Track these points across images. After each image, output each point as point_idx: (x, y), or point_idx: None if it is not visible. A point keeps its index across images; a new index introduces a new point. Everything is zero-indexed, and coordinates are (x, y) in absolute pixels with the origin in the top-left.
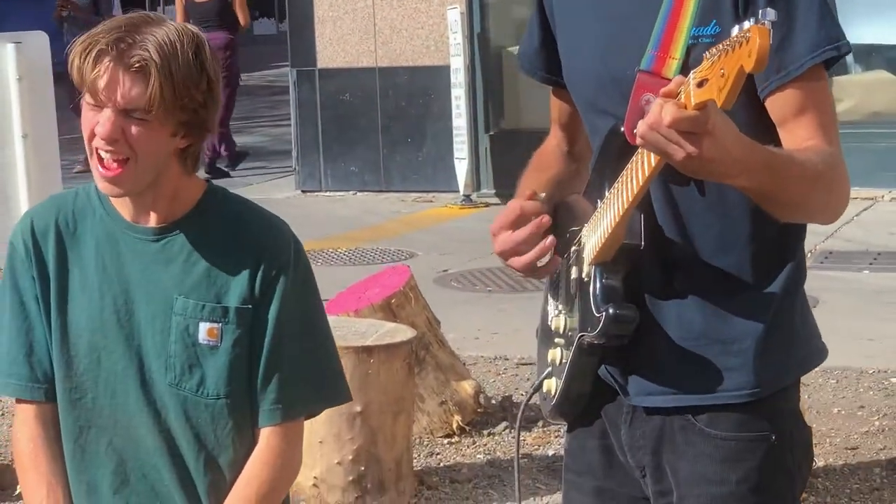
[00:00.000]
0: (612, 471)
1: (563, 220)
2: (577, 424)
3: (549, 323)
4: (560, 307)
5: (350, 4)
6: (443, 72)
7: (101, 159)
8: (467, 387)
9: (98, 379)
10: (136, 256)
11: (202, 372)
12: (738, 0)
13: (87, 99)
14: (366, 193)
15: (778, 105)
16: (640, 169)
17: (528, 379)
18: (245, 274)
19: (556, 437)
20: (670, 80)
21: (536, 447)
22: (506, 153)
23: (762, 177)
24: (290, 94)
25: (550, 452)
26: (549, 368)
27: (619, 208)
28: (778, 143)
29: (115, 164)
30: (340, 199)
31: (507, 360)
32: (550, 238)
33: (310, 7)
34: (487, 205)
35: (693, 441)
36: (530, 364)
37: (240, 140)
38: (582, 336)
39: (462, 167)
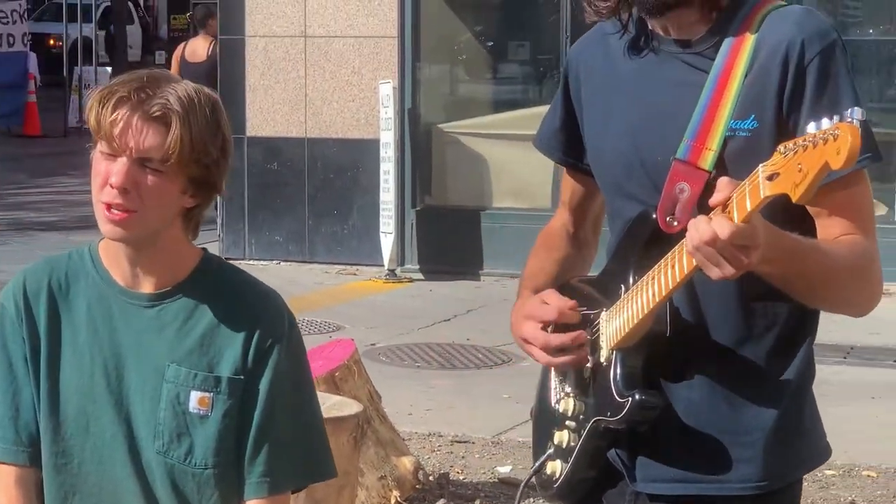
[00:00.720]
0: None
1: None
2: None
3: (555, 405)
4: (569, 389)
5: (282, 74)
6: (372, 145)
7: (108, 207)
8: (407, 462)
9: (85, 444)
10: (129, 322)
11: (191, 441)
12: (781, 98)
13: (101, 148)
14: (290, 263)
15: (816, 203)
16: (680, 263)
17: (463, 457)
18: (239, 344)
19: None
20: (706, 170)
21: None
22: (431, 229)
23: (784, 263)
24: None
25: None
26: (552, 450)
27: (651, 298)
28: (805, 229)
29: (122, 213)
30: (263, 268)
31: (442, 436)
32: (586, 351)
33: (241, 75)
34: (412, 280)
35: None
36: (464, 442)
37: None
38: (598, 420)
39: (388, 241)
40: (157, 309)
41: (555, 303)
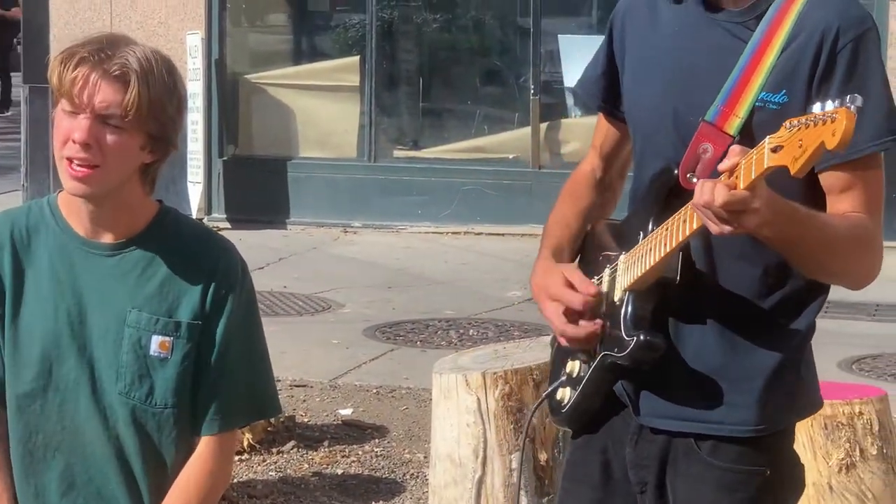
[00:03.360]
0: (610, 485)
1: (591, 244)
2: (581, 435)
3: None
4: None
5: (87, 24)
6: None
7: (70, 162)
8: None
9: (48, 387)
10: (91, 270)
11: (151, 382)
12: (813, 76)
13: (63, 106)
14: None
15: (831, 179)
16: (690, 218)
17: (304, 400)
18: (197, 291)
19: (343, 456)
20: (730, 135)
21: (325, 466)
22: (238, 179)
23: (781, 228)
24: (21, 109)
25: (339, 471)
26: (564, 378)
27: (665, 247)
28: (822, 208)
29: (84, 168)
30: None
31: (280, 381)
32: (597, 340)
33: (45, 23)
34: (220, 229)
35: (694, 466)
36: (303, 386)
37: None
38: (606, 355)
39: (196, 191)
40: (117, 258)
41: (581, 289)
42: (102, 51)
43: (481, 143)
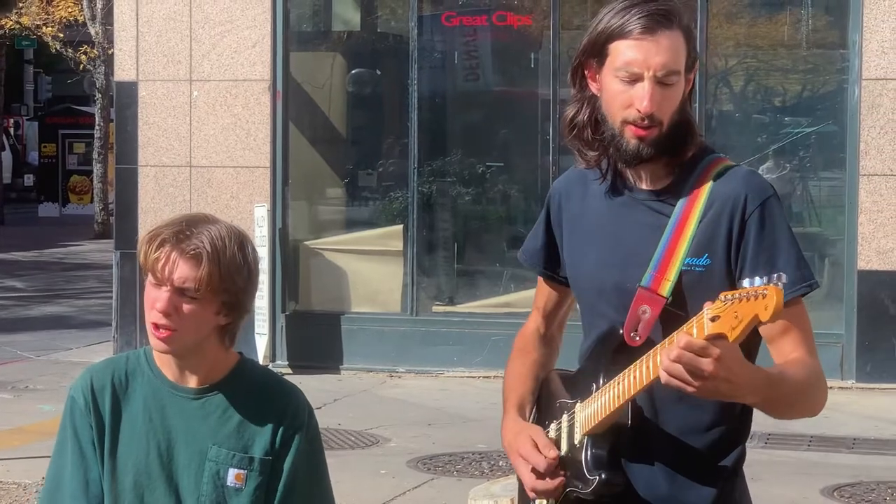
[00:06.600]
0: None
1: (546, 394)
2: None
3: None
4: None
5: (170, 198)
6: None
7: (156, 327)
8: None
9: None
10: (179, 411)
11: None
12: (730, 240)
13: (149, 279)
14: None
15: (766, 329)
16: (647, 372)
17: None
18: (268, 430)
19: None
20: (664, 296)
21: None
22: (299, 331)
23: (765, 393)
24: (112, 272)
25: None
26: None
27: (620, 396)
28: (754, 351)
29: (165, 332)
30: None
31: None
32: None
33: (134, 199)
34: (282, 374)
35: None
36: None
37: (48, 310)
38: (572, 490)
39: (262, 341)
40: (201, 401)
41: (544, 452)
42: (182, 231)
43: (508, 300)
